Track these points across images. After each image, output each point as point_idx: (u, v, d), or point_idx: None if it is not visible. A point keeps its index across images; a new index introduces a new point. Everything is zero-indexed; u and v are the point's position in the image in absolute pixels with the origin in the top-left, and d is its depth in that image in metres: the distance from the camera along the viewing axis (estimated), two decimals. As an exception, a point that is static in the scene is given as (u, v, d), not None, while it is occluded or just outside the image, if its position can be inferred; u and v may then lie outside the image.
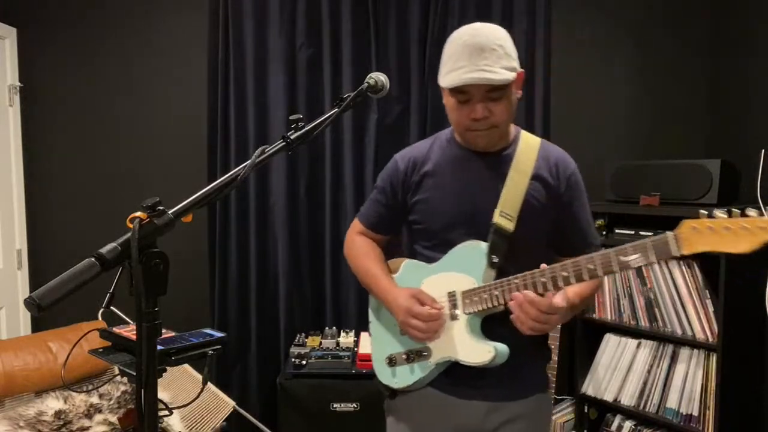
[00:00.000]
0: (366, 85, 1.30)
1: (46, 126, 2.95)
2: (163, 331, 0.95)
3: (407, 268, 1.53)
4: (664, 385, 2.43)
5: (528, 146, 1.44)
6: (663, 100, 2.96)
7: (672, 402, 2.39)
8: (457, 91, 1.32)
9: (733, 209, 1.09)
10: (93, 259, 0.86)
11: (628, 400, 2.53)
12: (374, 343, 1.58)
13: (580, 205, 1.45)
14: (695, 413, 2.32)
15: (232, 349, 2.90)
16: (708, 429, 2.28)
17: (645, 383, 2.49)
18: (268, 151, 1.10)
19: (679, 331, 2.40)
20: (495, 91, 1.30)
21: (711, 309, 2.29)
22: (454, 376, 1.41)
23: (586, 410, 2.71)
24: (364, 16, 2.85)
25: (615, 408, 2.59)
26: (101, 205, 2.95)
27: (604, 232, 2.61)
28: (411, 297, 1.39)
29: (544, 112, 2.84)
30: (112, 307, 0.97)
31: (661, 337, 2.46)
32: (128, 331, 1.11)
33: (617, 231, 2.58)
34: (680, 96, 2.95)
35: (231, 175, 1.03)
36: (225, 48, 2.82)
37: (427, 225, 1.47)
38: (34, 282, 2.94)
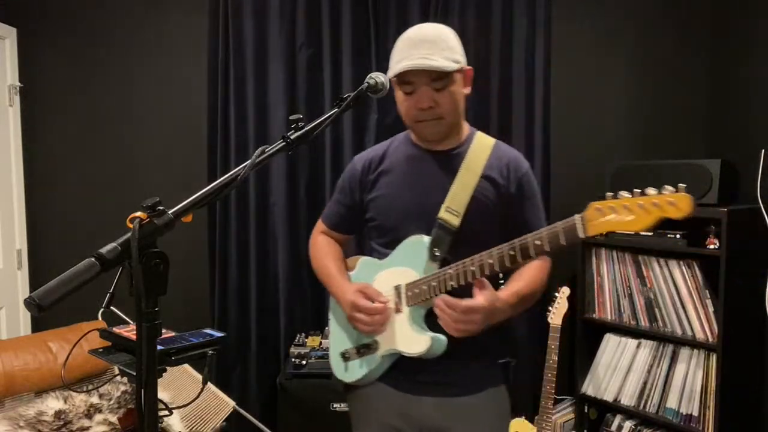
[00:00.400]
0: (366, 85, 1.31)
1: (46, 126, 2.95)
2: (163, 331, 0.95)
3: (362, 265, 1.58)
4: (664, 385, 2.43)
5: (481, 146, 1.48)
6: (663, 100, 2.96)
7: (672, 402, 2.39)
8: (402, 81, 1.37)
9: (635, 190, 1.11)
10: (93, 259, 0.86)
11: (628, 400, 2.53)
12: (331, 340, 1.63)
13: (531, 205, 1.49)
14: (695, 413, 2.32)
15: (232, 349, 2.90)
16: (708, 429, 2.28)
17: (645, 383, 2.49)
18: (268, 151, 1.10)
19: (679, 331, 2.40)
20: (438, 80, 1.35)
21: (711, 309, 2.29)
22: (405, 372, 1.45)
23: (586, 410, 2.71)
24: (364, 16, 2.85)
25: (615, 408, 2.59)
26: (101, 205, 2.95)
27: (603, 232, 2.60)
28: (357, 292, 1.44)
29: (544, 112, 2.84)
30: (112, 307, 0.97)
31: (661, 337, 2.46)
32: (128, 331, 1.11)
33: (617, 231, 2.57)
34: (680, 96, 2.94)
35: (231, 175, 1.03)
36: (225, 48, 2.82)
37: (380, 222, 1.52)
38: (34, 282, 2.95)
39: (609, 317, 2.63)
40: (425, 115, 1.39)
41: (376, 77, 1.32)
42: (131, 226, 0.89)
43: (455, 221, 1.40)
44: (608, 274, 2.63)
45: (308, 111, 2.85)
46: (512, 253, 1.25)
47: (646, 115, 2.98)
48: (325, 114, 1.22)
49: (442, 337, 1.36)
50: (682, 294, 2.37)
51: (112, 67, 2.94)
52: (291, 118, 1.17)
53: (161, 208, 0.92)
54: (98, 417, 2.15)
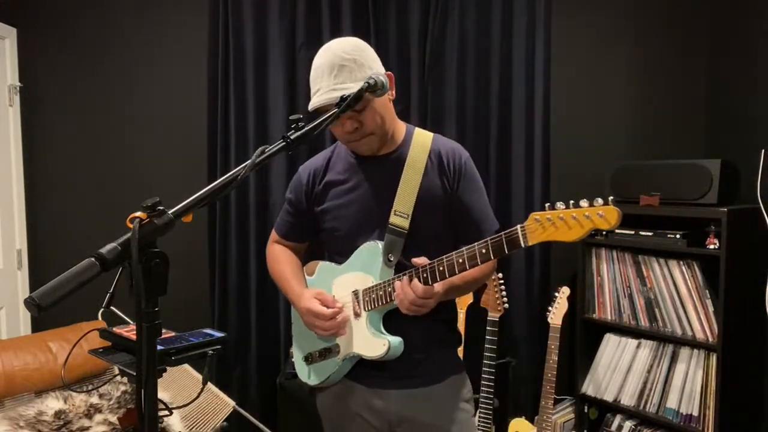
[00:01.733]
0: (366, 85, 1.30)
1: (46, 126, 2.94)
2: (163, 331, 0.95)
3: (321, 270, 1.62)
4: (664, 385, 2.43)
5: (420, 144, 1.51)
6: (663, 100, 2.96)
7: (672, 402, 2.39)
8: (322, 111, 1.36)
9: (572, 201, 1.19)
10: (93, 259, 0.86)
11: (628, 400, 2.53)
12: (295, 343, 1.66)
13: (472, 192, 1.51)
14: (695, 413, 2.32)
15: (232, 349, 2.89)
16: (708, 429, 2.28)
17: (645, 383, 2.50)
18: (268, 151, 1.10)
19: (679, 331, 2.40)
20: (356, 104, 1.34)
21: (711, 309, 2.29)
22: (369, 367, 1.49)
23: (586, 410, 2.71)
24: (364, 16, 2.85)
25: (615, 408, 2.59)
26: (101, 205, 2.95)
27: (604, 232, 2.61)
28: (312, 298, 1.48)
29: (544, 112, 2.84)
30: (112, 307, 0.98)
31: (661, 337, 2.47)
32: (128, 331, 1.11)
33: (617, 231, 2.58)
34: (680, 96, 2.94)
35: (231, 175, 1.03)
36: (225, 48, 2.82)
37: (333, 232, 1.55)
38: (34, 282, 2.94)
39: (609, 317, 2.63)
40: (354, 136, 1.43)
41: (376, 77, 1.32)
42: (131, 226, 0.89)
43: (405, 224, 1.44)
44: (608, 274, 2.64)
45: (308, 111, 2.84)
46: (461, 260, 1.31)
47: (646, 115, 2.98)
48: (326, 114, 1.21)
49: (399, 340, 1.42)
50: (682, 294, 2.37)
51: (112, 67, 2.94)
52: (291, 118, 1.17)
53: (161, 208, 0.92)
54: (98, 417, 2.15)
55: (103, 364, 2.35)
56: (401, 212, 1.44)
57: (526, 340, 2.88)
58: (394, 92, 1.48)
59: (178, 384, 2.45)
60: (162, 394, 0.95)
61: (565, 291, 2.49)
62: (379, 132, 1.44)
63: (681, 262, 2.37)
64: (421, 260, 1.36)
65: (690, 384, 2.36)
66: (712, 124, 2.89)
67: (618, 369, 2.59)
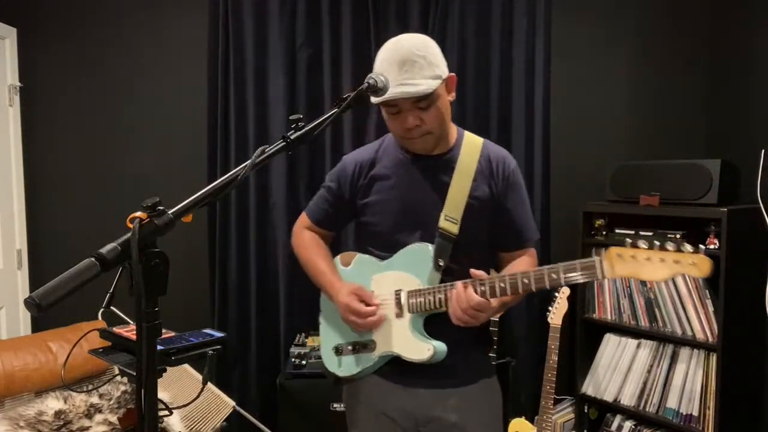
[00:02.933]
0: (366, 85, 1.30)
1: (46, 126, 2.95)
2: (163, 331, 0.95)
3: (358, 262, 1.59)
4: (664, 385, 2.43)
5: (470, 147, 1.51)
6: (663, 100, 2.96)
7: (672, 402, 2.39)
8: (387, 104, 1.39)
9: (656, 241, 1.19)
10: (93, 259, 0.86)
11: (628, 400, 2.53)
12: (322, 332, 1.65)
13: (517, 202, 1.52)
14: (695, 413, 2.32)
15: (232, 349, 2.89)
16: (708, 429, 2.28)
17: (645, 383, 2.49)
18: (268, 151, 1.10)
19: (679, 331, 2.40)
20: (422, 100, 1.37)
21: (711, 309, 2.29)
22: (400, 365, 1.47)
23: (586, 410, 2.71)
24: (364, 16, 2.85)
25: (615, 408, 2.59)
26: (101, 205, 2.95)
27: (604, 232, 2.61)
28: (351, 293, 1.47)
29: (544, 112, 2.84)
30: (112, 307, 0.97)
31: (661, 337, 2.46)
32: (128, 331, 1.11)
33: (617, 231, 2.58)
34: (680, 96, 2.95)
35: (231, 175, 1.03)
36: (225, 48, 2.82)
37: (375, 227, 1.54)
38: (34, 282, 2.94)
39: (609, 317, 2.63)
40: (412, 133, 1.42)
41: (377, 77, 1.31)
42: (131, 226, 0.89)
43: (454, 229, 1.43)
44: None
45: (308, 111, 2.85)
46: (526, 281, 1.29)
47: (646, 116, 2.98)
48: (325, 114, 1.21)
49: (443, 346, 1.41)
50: (682, 294, 2.37)
51: (112, 67, 2.94)
52: (291, 118, 1.16)
53: (161, 208, 0.92)
54: (98, 417, 2.16)
55: (103, 364, 2.35)
56: (451, 217, 1.44)
57: (526, 340, 2.88)
58: (454, 94, 1.48)
59: (178, 384, 2.45)
60: (162, 394, 0.95)
61: (565, 291, 2.49)
62: (437, 131, 1.44)
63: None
64: (479, 273, 1.35)
65: (690, 384, 2.36)
66: (712, 124, 2.89)
67: (618, 369, 2.59)
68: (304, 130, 1.15)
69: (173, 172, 2.96)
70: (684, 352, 2.40)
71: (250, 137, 2.86)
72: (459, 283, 1.35)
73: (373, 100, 1.37)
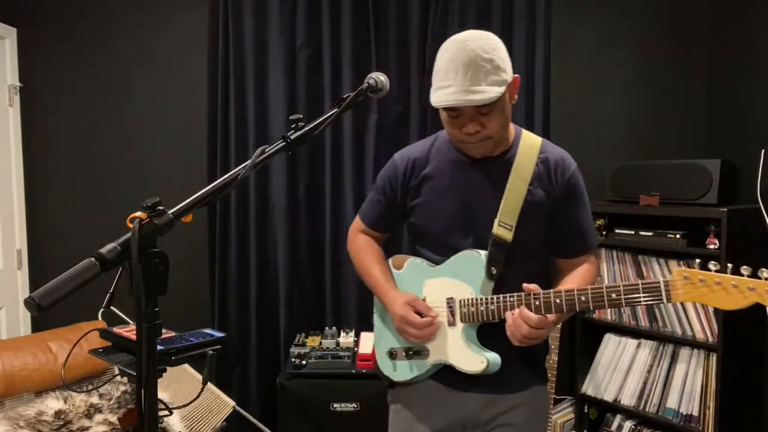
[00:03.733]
0: (366, 85, 1.30)
1: (46, 126, 2.95)
2: (163, 331, 0.95)
3: (410, 266, 1.55)
4: (664, 385, 2.43)
5: (528, 148, 1.43)
6: (663, 100, 2.96)
7: (672, 402, 2.39)
8: (447, 108, 1.33)
9: (728, 264, 1.10)
10: (93, 259, 0.85)
11: (628, 400, 2.53)
12: (377, 334, 1.62)
13: (579, 207, 1.45)
14: (695, 413, 2.32)
15: (232, 349, 2.90)
16: (708, 429, 2.28)
17: (645, 383, 2.49)
18: (268, 151, 1.10)
19: (679, 331, 2.40)
20: (485, 106, 1.30)
21: (711, 309, 2.29)
22: (454, 370, 1.44)
23: (586, 410, 2.71)
24: (364, 16, 2.85)
25: (615, 408, 2.59)
26: (101, 205, 2.95)
27: (604, 232, 2.61)
28: (406, 304, 1.44)
29: (544, 112, 2.84)
30: (112, 307, 0.97)
31: (661, 337, 2.46)
32: (128, 331, 1.11)
33: (617, 231, 2.58)
34: (680, 96, 2.95)
35: (231, 175, 1.03)
36: (225, 48, 2.82)
37: (425, 228, 1.50)
38: (34, 282, 2.94)
39: (609, 317, 2.63)
40: (471, 139, 1.36)
41: (376, 77, 1.31)
42: (131, 226, 0.89)
43: (508, 236, 1.37)
44: (608, 274, 2.64)
45: (308, 111, 2.85)
46: (583, 298, 1.25)
47: (646, 115, 2.98)
48: (325, 114, 1.21)
49: (497, 358, 1.37)
50: (682, 294, 2.37)
51: (111, 66, 2.94)
52: (291, 118, 1.16)
53: (161, 208, 0.92)
54: (98, 417, 2.15)
55: (103, 364, 2.35)
56: (505, 223, 1.37)
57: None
58: (516, 96, 1.41)
59: (178, 384, 2.45)
60: (162, 394, 0.95)
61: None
62: (497, 137, 1.38)
63: (681, 262, 2.37)
64: (533, 287, 1.29)
65: (690, 384, 2.36)
66: (712, 124, 2.89)
67: (618, 369, 2.59)
68: (304, 130, 1.15)
69: (173, 172, 2.96)
70: (684, 352, 2.40)
71: (250, 137, 2.86)
72: (517, 311, 1.29)
73: (433, 102, 1.33)
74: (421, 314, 1.42)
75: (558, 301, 1.27)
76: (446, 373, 1.46)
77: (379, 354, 1.59)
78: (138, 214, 0.91)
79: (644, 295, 1.17)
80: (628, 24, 2.96)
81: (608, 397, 2.59)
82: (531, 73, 2.84)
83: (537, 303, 1.29)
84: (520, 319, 1.28)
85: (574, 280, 1.43)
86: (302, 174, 2.92)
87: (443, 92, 1.30)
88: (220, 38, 2.81)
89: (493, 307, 1.35)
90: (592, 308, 1.25)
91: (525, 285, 1.30)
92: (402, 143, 2.95)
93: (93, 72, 2.94)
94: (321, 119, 1.20)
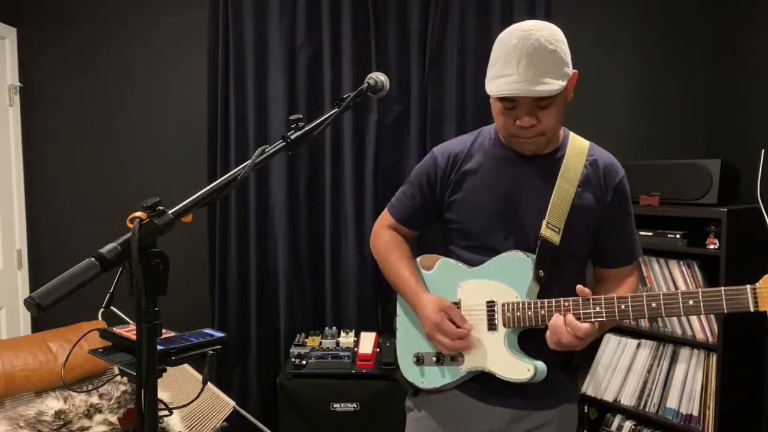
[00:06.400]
0: (366, 85, 1.30)
1: (46, 126, 2.95)
2: (163, 331, 0.95)
3: (442, 267, 1.47)
4: (664, 385, 2.43)
5: (576, 150, 1.38)
6: (663, 100, 2.96)
7: (672, 402, 2.39)
8: (504, 98, 1.26)
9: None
10: (93, 259, 0.85)
11: (628, 400, 2.53)
12: (401, 338, 1.53)
13: (626, 215, 1.41)
14: (695, 413, 2.32)
15: (232, 349, 2.90)
16: (708, 429, 2.28)
17: (645, 383, 2.49)
18: (268, 151, 1.10)
19: (679, 331, 2.40)
20: (544, 99, 1.24)
21: (711, 309, 2.29)
22: (482, 381, 1.38)
23: (586, 410, 2.71)
24: (364, 16, 2.85)
25: (615, 408, 2.59)
26: (101, 205, 2.95)
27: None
28: (440, 311, 1.35)
29: (544, 112, 2.83)
30: (112, 307, 0.97)
31: (661, 337, 2.46)
32: (128, 331, 1.11)
33: (617, 231, 2.58)
34: (680, 96, 2.95)
35: (231, 175, 1.03)
36: (225, 48, 2.82)
37: (465, 225, 1.41)
38: (34, 282, 2.94)
39: (609, 317, 2.63)
40: (525, 133, 1.29)
41: (376, 77, 1.31)
42: (131, 226, 0.88)
43: (556, 239, 1.31)
44: (608, 274, 2.63)
45: (308, 111, 2.85)
46: (654, 305, 1.16)
47: (646, 116, 2.98)
48: (325, 114, 1.21)
49: (544, 366, 1.30)
50: (682, 294, 2.37)
51: (111, 67, 2.94)
52: (291, 118, 1.16)
53: (161, 208, 0.92)
54: (98, 417, 2.16)
55: (103, 364, 2.35)
56: (554, 225, 1.30)
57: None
58: (572, 94, 1.33)
59: (178, 384, 2.45)
60: (162, 394, 0.95)
61: (565, 291, 2.49)
62: (551, 134, 1.32)
63: (681, 262, 2.37)
64: (587, 291, 1.22)
65: (690, 384, 2.35)
66: (712, 124, 2.89)
67: (618, 369, 2.59)
68: (304, 130, 1.15)
69: (173, 172, 2.96)
70: (684, 352, 2.40)
71: (250, 137, 2.86)
72: (566, 317, 1.23)
73: (490, 90, 1.26)
74: (455, 324, 1.34)
75: (623, 307, 1.18)
76: (475, 384, 1.39)
77: (404, 359, 1.50)
78: (138, 214, 0.91)
79: (728, 302, 1.07)
80: (628, 23, 2.96)
81: (608, 397, 2.59)
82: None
83: (598, 309, 1.21)
84: (563, 326, 1.22)
85: (625, 290, 1.37)
86: (302, 174, 2.92)
87: (503, 81, 1.23)
88: (220, 38, 2.81)
89: (543, 312, 1.27)
90: (665, 316, 1.15)
91: (580, 287, 1.23)
92: (402, 144, 2.98)
93: (93, 72, 2.94)
94: (321, 119, 1.20)
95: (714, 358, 2.27)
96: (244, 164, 1.04)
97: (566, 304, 1.25)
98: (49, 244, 2.96)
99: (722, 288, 1.08)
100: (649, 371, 2.49)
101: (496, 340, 1.34)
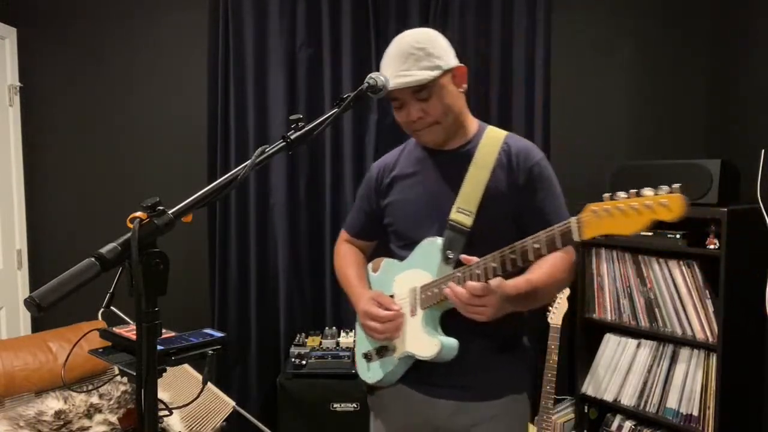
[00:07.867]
0: (366, 85, 1.30)
1: (46, 126, 2.95)
2: (163, 331, 0.95)
3: (385, 266, 1.59)
4: (664, 385, 2.43)
5: (492, 140, 1.47)
6: (663, 100, 2.96)
7: (672, 402, 2.39)
8: (390, 98, 1.41)
9: (632, 190, 1.06)
10: (93, 259, 0.86)
11: (628, 400, 2.53)
12: (357, 340, 1.64)
13: (546, 195, 1.44)
14: (695, 413, 2.32)
15: (232, 349, 2.90)
16: (708, 429, 2.28)
17: (645, 383, 2.49)
18: (268, 151, 1.10)
19: (679, 331, 2.40)
20: (421, 91, 1.37)
21: (711, 309, 2.29)
22: (425, 374, 1.43)
23: (586, 410, 2.71)
24: (364, 16, 2.85)
25: (615, 408, 2.59)
26: (101, 205, 2.95)
27: (604, 232, 2.60)
28: (370, 300, 1.47)
29: (544, 112, 2.84)
30: (112, 307, 0.97)
31: (661, 337, 2.46)
32: (128, 331, 1.11)
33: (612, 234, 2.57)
34: (680, 96, 2.94)
35: (231, 175, 1.03)
36: (225, 48, 2.83)
37: (397, 226, 1.53)
38: (34, 282, 2.95)
39: (609, 317, 2.63)
40: (418, 125, 1.42)
41: (376, 77, 1.31)
42: (131, 226, 0.89)
43: (467, 221, 1.39)
44: (608, 274, 2.63)
45: (308, 111, 2.85)
46: (513, 256, 1.24)
47: (646, 116, 2.98)
48: (325, 114, 1.21)
49: (453, 342, 1.35)
50: (682, 294, 2.37)
51: (111, 67, 2.94)
52: (291, 118, 1.16)
53: (161, 208, 0.92)
54: (98, 417, 2.16)
55: (103, 364, 2.35)
56: (464, 209, 1.39)
57: (526, 340, 2.88)
58: (465, 85, 1.47)
59: (178, 384, 2.45)
60: (162, 394, 0.95)
61: (565, 291, 2.49)
62: (444, 122, 1.42)
63: (681, 262, 2.37)
64: (471, 259, 1.29)
65: (690, 384, 2.36)
66: (712, 124, 2.89)
67: (618, 369, 2.59)
68: (304, 130, 1.15)
69: (173, 172, 2.96)
70: (684, 352, 2.40)
71: (250, 137, 2.86)
72: (457, 274, 1.31)
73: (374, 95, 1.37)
74: (386, 309, 1.43)
75: (494, 264, 1.25)
76: (417, 374, 1.45)
77: (358, 359, 1.60)
78: (138, 214, 0.91)
79: (560, 239, 1.16)
80: (628, 23, 2.96)
81: (608, 397, 2.59)
82: (531, 72, 2.84)
83: (478, 272, 1.27)
84: (457, 287, 1.26)
85: (540, 266, 1.38)
86: (302, 174, 2.92)
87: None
88: (220, 38, 2.82)
89: (444, 286, 1.32)
90: (521, 263, 1.23)
91: (462, 256, 1.30)
92: (401, 143, 2.97)
93: (93, 72, 2.94)
94: (321, 119, 1.20)
95: (714, 358, 2.27)
96: (244, 164, 1.04)
97: (458, 273, 1.32)
98: (49, 244, 2.96)
99: (554, 226, 1.18)
100: (649, 371, 2.49)
101: (416, 322, 1.42)
